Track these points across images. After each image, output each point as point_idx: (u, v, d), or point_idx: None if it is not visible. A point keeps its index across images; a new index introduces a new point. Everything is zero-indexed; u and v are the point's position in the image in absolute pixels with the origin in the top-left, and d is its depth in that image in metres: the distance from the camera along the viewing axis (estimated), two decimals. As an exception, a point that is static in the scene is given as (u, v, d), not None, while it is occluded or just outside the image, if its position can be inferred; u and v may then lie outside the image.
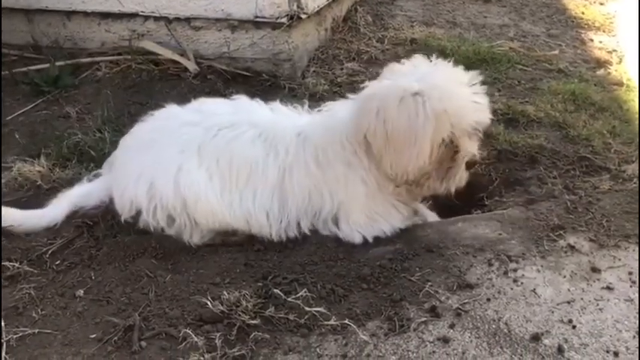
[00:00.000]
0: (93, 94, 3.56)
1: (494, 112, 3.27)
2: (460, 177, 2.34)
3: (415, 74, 2.29)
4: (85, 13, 3.91)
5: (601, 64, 4.01)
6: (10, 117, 3.35)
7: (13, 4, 3.98)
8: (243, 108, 2.53)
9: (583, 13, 4.89)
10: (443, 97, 2.20)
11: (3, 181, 2.75)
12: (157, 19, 3.77)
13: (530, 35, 4.40)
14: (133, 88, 3.59)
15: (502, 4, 4.99)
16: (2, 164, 2.85)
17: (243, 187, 2.36)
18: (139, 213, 2.38)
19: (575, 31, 4.53)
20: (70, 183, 2.69)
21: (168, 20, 3.78)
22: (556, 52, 4.11)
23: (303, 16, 3.55)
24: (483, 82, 3.54)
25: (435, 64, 2.36)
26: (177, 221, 2.36)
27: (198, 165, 2.34)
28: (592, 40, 4.40)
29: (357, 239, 2.39)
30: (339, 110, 2.45)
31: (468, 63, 3.81)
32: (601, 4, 5.18)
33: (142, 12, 3.79)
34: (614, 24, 4.71)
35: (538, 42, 4.29)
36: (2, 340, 2.00)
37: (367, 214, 2.39)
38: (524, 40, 4.28)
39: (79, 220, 2.52)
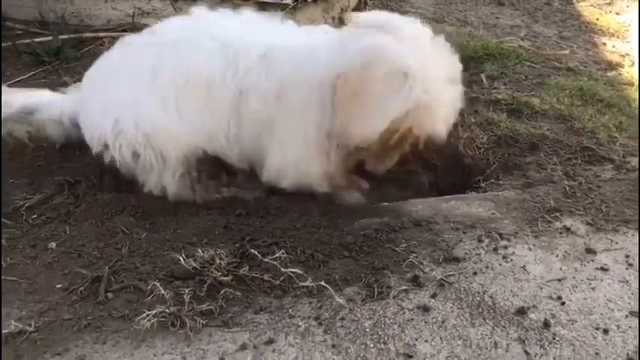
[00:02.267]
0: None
1: (497, 102, 3.22)
2: (393, 161, 2.27)
3: (408, 44, 2.16)
4: (92, -10, 3.90)
5: (612, 66, 3.91)
6: (8, 83, 3.31)
7: (22, -22, 3.99)
8: (202, 20, 2.37)
9: (597, 19, 4.80)
10: (431, 91, 2.09)
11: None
12: (162, -4, 3.75)
13: (541, 36, 4.32)
14: (133, 63, 3.54)
15: (515, 7, 4.92)
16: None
17: (202, 107, 2.25)
18: (106, 147, 2.30)
19: (588, 35, 4.44)
20: (57, 143, 2.64)
21: (174, -2, 3.76)
22: (566, 51, 4.02)
23: (309, 0, 3.50)
24: (489, 76, 3.57)
25: (423, 33, 2.21)
26: (142, 156, 2.27)
27: (152, 93, 2.24)
28: (604, 44, 4.31)
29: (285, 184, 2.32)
30: (320, 44, 2.26)
31: (476, 57, 3.77)
32: (617, 13, 5.10)
33: (148, -11, 3.77)
34: (629, 32, 4.61)
35: (549, 42, 4.20)
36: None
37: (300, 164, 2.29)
38: (535, 40, 4.20)
39: (60, 178, 2.47)
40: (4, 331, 1.75)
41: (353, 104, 2.07)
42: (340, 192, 2.45)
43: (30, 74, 3.44)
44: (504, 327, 1.80)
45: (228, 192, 2.45)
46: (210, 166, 2.40)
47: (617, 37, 4.50)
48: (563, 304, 1.89)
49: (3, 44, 3.73)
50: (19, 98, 2.52)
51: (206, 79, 2.24)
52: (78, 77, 3.36)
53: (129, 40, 2.42)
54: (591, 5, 5.17)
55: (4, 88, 2.51)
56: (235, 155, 2.31)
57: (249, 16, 2.40)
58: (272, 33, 2.34)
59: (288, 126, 2.23)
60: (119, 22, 3.91)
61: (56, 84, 3.33)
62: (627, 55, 4.12)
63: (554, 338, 1.77)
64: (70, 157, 2.64)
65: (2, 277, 1.98)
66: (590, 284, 1.98)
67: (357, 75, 2.05)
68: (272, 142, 2.26)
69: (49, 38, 3.72)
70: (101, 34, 3.82)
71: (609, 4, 5.40)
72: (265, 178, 2.34)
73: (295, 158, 2.26)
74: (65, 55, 3.59)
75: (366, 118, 2.08)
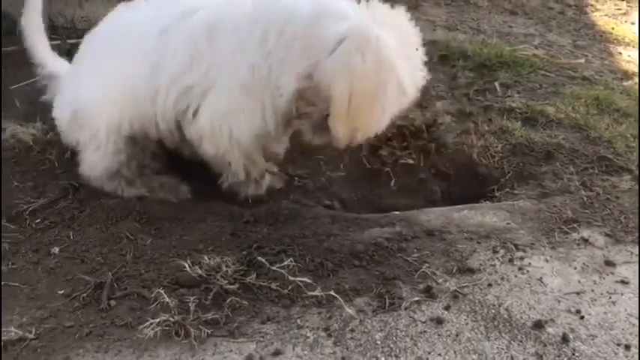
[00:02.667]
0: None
1: (511, 110, 3.16)
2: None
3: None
4: (103, -6, 3.87)
5: (628, 75, 3.84)
6: (14, 87, 3.29)
7: (33, -18, 3.96)
8: None
9: (613, 28, 4.73)
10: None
11: (-5, 141, 2.67)
12: (172, 1, 3.71)
13: (555, 45, 4.25)
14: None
15: (528, 16, 4.85)
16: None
17: (125, 65, 2.22)
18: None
19: (603, 45, 4.37)
20: (62, 147, 2.60)
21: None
22: (581, 60, 3.95)
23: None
24: (503, 84, 3.50)
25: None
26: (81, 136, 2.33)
27: (89, 65, 2.34)
28: (620, 54, 4.23)
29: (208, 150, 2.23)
30: None
31: (489, 65, 3.71)
32: (632, 23, 5.02)
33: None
34: (643, 42, 4.54)
35: (563, 51, 4.13)
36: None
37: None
38: (549, 49, 4.13)
39: (65, 182, 2.42)
40: (3, 338, 1.69)
41: (351, 113, 1.98)
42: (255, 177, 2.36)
43: (37, 78, 3.41)
44: (521, 341, 1.73)
45: (148, 182, 2.40)
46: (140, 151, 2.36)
47: (633, 47, 4.42)
48: (582, 318, 1.82)
49: (12, 48, 3.72)
50: (54, 63, 2.71)
51: (131, 35, 2.25)
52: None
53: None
54: (606, 15, 5.10)
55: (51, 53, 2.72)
56: (161, 120, 2.23)
57: None
58: None
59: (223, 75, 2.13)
60: (129, 26, 3.88)
61: (64, 88, 3.31)
62: (643, 64, 4.05)
63: (573, 354, 1.69)
64: (75, 161, 2.59)
65: (3, 282, 1.93)
66: (610, 298, 1.90)
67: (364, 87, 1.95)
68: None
69: (58, 42, 3.70)
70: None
71: (624, 13, 5.32)
72: (193, 137, 2.22)
73: (225, 110, 2.14)
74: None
75: (375, 119, 2.02)
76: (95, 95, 2.28)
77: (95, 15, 3.92)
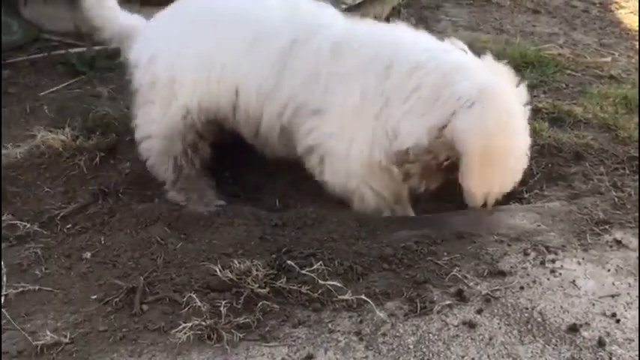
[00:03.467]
0: (127, 77, 3.52)
1: (538, 110, 3.12)
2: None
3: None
4: (127, 0, 3.91)
5: (656, 73, 3.78)
6: (42, 93, 3.34)
7: (58, -10, 4.03)
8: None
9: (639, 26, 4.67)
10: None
11: (25, 147, 2.71)
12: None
13: (580, 44, 4.21)
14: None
15: (552, 15, 4.81)
16: (26, 132, 2.83)
17: (245, 50, 2.25)
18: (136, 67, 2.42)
19: (629, 43, 4.31)
20: (91, 152, 2.63)
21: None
22: (608, 59, 3.90)
23: (344, 7, 3.46)
24: (529, 84, 3.46)
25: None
26: (156, 89, 2.36)
27: (197, 34, 2.32)
28: (647, 52, 4.17)
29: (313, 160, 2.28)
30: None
31: (514, 65, 3.67)
32: (658, 20, 4.95)
33: None
34: (672, 38, 4.47)
35: (589, 50, 4.09)
36: (1, 294, 1.91)
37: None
38: (574, 48, 4.09)
39: (95, 187, 2.45)
40: (40, 342, 1.71)
41: (486, 166, 2.05)
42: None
43: (65, 84, 3.46)
44: (556, 345, 1.71)
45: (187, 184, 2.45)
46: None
47: (660, 44, 4.36)
48: (618, 321, 1.79)
49: (38, 55, 3.77)
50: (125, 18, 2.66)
51: (257, 29, 2.26)
52: (112, 87, 3.37)
53: None
54: (631, 12, 5.03)
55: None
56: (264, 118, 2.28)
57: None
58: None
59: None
60: (153, 32, 3.91)
61: (91, 94, 3.35)
62: (671, 62, 3.98)
63: (610, 358, 1.67)
64: (104, 166, 2.63)
65: (38, 287, 1.95)
66: (646, 301, 1.87)
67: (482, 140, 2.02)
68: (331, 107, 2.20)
69: (84, 49, 3.75)
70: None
71: (650, 10, 5.25)
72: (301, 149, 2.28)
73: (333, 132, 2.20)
74: (100, 66, 3.62)
75: (509, 175, 2.12)
76: (194, 68, 2.31)
77: (120, 21, 3.97)
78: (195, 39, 2.33)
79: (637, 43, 4.32)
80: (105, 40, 3.74)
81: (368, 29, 2.29)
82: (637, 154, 2.71)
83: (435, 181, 2.20)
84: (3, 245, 2.15)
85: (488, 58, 2.18)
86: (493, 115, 2.00)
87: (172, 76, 2.33)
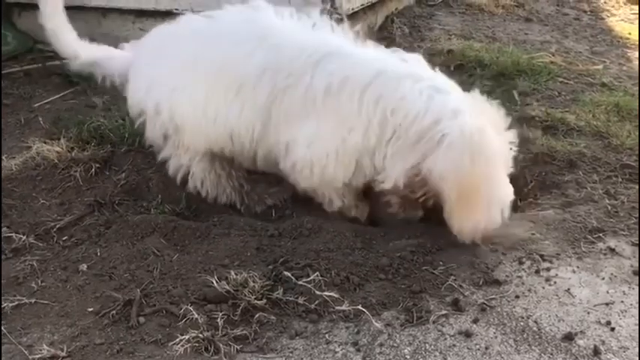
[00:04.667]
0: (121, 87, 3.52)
1: (531, 118, 3.15)
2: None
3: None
4: (121, 11, 3.93)
5: (648, 81, 3.81)
6: (37, 104, 3.34)
7: (53, 0, 4.03)
8: (259, 15, 2.33)
9: (630, 34, 4.70)
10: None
11: (20, 159, 2.71)
12: (190, 17, 3.75)
13: (572, 51, 4.23)
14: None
15: (544, 23, 4.84)
16: (21, 144, 2.82)
17: (230, 105, 2.25)
18: (141, 115, 2.41)
19: (620, 50, 4.34)
20: (87, 164, 2.63)
21: (201, 19, 3.75)
22: (600, 67, 3.93)
23: (337, 17, 3.47)
24: (521, 92, 3.49)
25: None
26: (170, 140, 2.39)
27: (190, 82, 2.29)
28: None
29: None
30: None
31: (507, 73, 3.70)
32: (649, 27, 4.99)
33: (176, 9, 3.78)
34: (663, 46, 4.51)
35: (581, 58, 4.11)
36: (-3, 307, 1.90)
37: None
38: (566, 56, 4.11)
39: (90, 199, 2.45)
40: (36, 356, 1.71)
41: (470, 203, 2.07)
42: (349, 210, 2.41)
43: (59, 95, 3.46)
44: (551, 354, 1.72)
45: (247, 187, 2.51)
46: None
47: (651, 52, 4.40)
48: (613, 329, 1.80)
49: (33, 66, 3.77)
50: (85, 51, 2.64)
51: (240, 78, 2.24)
52: (106, 98, 3.37)
53: (188, 18, 2.48)
54: (622, 20, 5.08)
55: (80, 42, 2.68)
56: (258, 155, 2.32)
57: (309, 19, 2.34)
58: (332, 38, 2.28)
59: (330, 126, 2.18)
60: (147, 42, 3.92)
61: (85, 105, 3.35)
62: (662, 70, 4.02)
63: (605, 366, 1.68)
64: (100, 178, 2.63)
65: (34, 300, 1.95)
66: (640, 309, 1.89)
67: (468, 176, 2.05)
68: (304, 131, 2.21)
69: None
70: (129, 55, 3.83)
71: (640, 18, 5.30)
72: (287, 168, 2.28)
73: (328, 155, 2.20)
74: (94, 77, 3.60)
75: (487, 212, 2.10)
76: (195, 117, 2.31)
77: (114, 32, 3.98)
78: (185, 84, 2.32)
79: (628, 50, 4.36)
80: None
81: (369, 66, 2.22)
82: (629, 162, 2.73)
83: (415, 210, 2.29)
84: (-2, 258, 2.15)
85: (477, 96, 2.21)
86: (468, 157, 2.03)
87: (176, 126, 2.34)
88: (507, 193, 2.16)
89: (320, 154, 2.19)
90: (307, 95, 2.18)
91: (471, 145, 2.03)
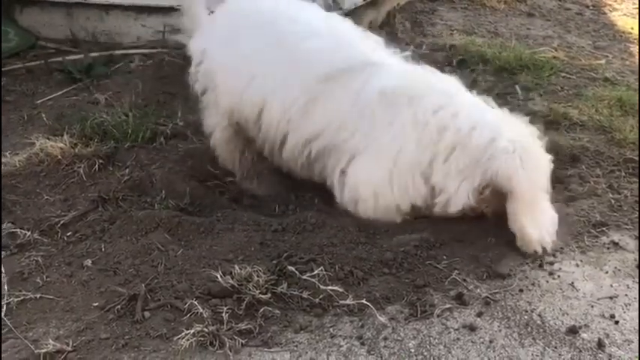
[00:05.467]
0: (124, 83, 3.53)
1: (534, 113, 3.14)
2: None
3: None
4: (123, 7, 3.93)
5: (651, 75, 3.81)
6: (40, 101, 3.34)
7: (54, -3, 4.04)
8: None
9: (632, 28, 4.69)
10: None
11: (24, 155, 2.71)
12: (192, 13, 3.75)
13: (575, 46, 4.23)
14: (165, 79, 3.54)
15: (546, 18, 4.84)
16: (25, 140, 2.83)
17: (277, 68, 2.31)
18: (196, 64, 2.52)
19: (623, 45, 4.34)
20: (90, 159, 2.63)
21: (203, 15, 3.75)
22: (602, 61, 3.93)
23: (339, 13, 3.47)
24: (524, 87, 3.49)
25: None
26: (206, 95, 2.51)
27: (239, 37, 2.38)
28: (641, 53, 4.20)
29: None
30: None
31: (509, 68, 3.70)
32: (652, 22, 4.98)
33: (179, 6, 3.76)
34: (666, 40, 4.50)
35: (583, 52, 4.11)
36: (2, 303, 1.91)
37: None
38: (569, 51, 4.11)
39: (94, 194, 2.45)
40: (42, 351, 1.72)
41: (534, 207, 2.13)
42: None
43: (62, 92, 3.46)
44: (556, 347, 1.72)
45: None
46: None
47: (654, 46, 4.39)
48: (616, 323, 1.81)
49: (35, 63, 3.77)
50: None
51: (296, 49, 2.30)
52: (109, 94, 3.38)
53: None
54: (624, 14, 5.07)
55: None
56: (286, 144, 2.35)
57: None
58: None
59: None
60: (149, 39, 3.93)
61: (88, 101, 3.36)
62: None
63: (609, 359, 1.68)
64: (103, 173, 2.63)
65: (40, 295, 1.96)
66: (644, 302, 1.89)
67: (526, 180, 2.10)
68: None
69: (81, 56, 3.76)
70: (131, 52, 3.84)
71: (642, 12, 5.29)
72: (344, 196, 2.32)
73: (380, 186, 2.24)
74: (96, 73, 3.61)
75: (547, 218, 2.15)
76: (237, 80, 2.38)
77: (116, 29, 3.99)
78: (235, 44, 2.40)
79: (631, 45, 4.35)
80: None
81: (420, 80, 2.29)
82: (632, 156, 2.74)
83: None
84: (3, 254, 2.15)
85: (507, 114, 2.30)
86: (533, 158, 2.14)
87: (215, 82, 2.44)
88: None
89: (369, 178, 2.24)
90: (363, 97, 2.23)
91: (530, 148, 2.15)
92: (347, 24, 2.43)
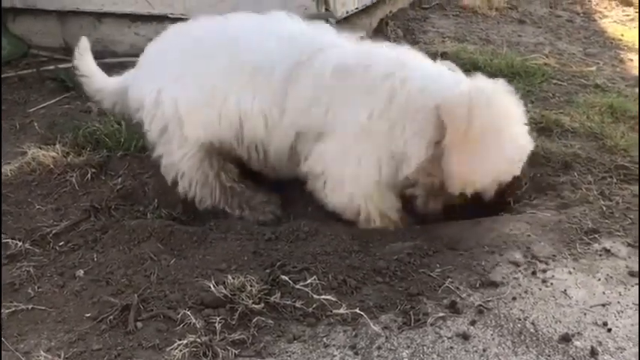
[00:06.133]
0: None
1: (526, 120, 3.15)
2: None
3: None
4: (116, 16, 3.94)
5: (641, 82, 3.84)
6: (32, 109, 3.34)
7: (47, 5, 4.04)
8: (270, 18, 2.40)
9: (622, 35, 4.74)
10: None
11: (16, 164, 2.70)
12: (186, 21, 3.75)
13: (566, 53, 4.26)
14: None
15: (537, 25, 4.87)
16: (17, 149, 2.82)
17: (244, 90, 2.26)
18: (139, 110, 2.41)
19: (613, 52, 4.37)
20: (82, 169, 2.63)
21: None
22: (593, 68, 3.96)
23: (332, 20, 3.48)
24: (516, 95, 3.50)
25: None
26: (168, 133, 2.36)
27: (197, 72, 2.30)
28: (631, 60, 4.24)
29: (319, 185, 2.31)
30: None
31: (501, 75, 3.71)
32: (641, 29, 5.02)
33: (172, 14, 3.79)
34: (655, 47, 4.54)
35: (574, 59, 4.14)
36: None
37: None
38: (560, 57, 4.14)
39: (86, 204, 2.45)
40: (33, 363, 1.71)
41: (468, 146, 2.07)
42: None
43: (54, 100, 3.47)
44: (549, 355, 1.72)
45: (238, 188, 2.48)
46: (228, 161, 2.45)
47: (644, 53, 4.43)
48: (609, 330, 1.81)
49: (27, 71, 3.77)
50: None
51: (255, 64, 2.26)
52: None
53: (197, 18, 2.49)
54: (614, 21, 5.11)
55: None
56: (271, 146, 2.31)
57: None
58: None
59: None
60: (143, 47, 3.91)
61: (80, 110, 3.35)
62: (655, 70, 4.05)
63: (602, 367, 1.69)
64: (96, 183, 2.63)
65: (31, 306, 1.95)
66: (636, 309, 1.90)
67: (467, 115, 2.05)
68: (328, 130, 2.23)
69: (73, 64, 3.74)
70: (125, 60, 3.83)
71: (632, 19, 5.33)
72: (311, 170, 2.30)
73: (356, 173, 2.22)
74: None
75: (483, 163, 2.11)
76: (202, 105, 2.32)
77: (110, 37, 3.99)
78: (193, 75, 2.33)
79: (621, 52, 4.38)
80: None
81: (370, 50, 2.31)
82: (623, 163, 2.75)
83: (439, 202, 2.31)
84: (-6, 264, 2.14)
85: (480, 76, 2.26)
86: (483, 98, 2.07)
87: (178, 115, 2.33)
88: (523, 145, 2.21)
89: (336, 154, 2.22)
90: (318, 78, 2.22)
91: (487, 95, 2.09)
92: (294, 19, 2.40)
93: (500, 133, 2.13)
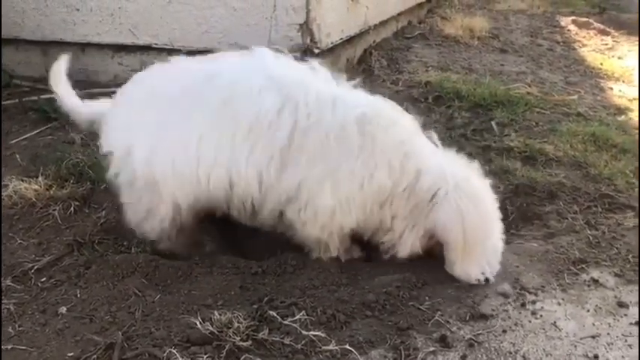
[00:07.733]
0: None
1: (510, 149, 3.19)
2: None
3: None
4: (99, 46, 3.93)
5: (621, 110, 3.90)
6: (13, 141, 3.28)
7: (30, 36, 4.02)
8: (258, 59, 2.21)
9: (601, 64, 4.83)
10: None
11: (-4, 199, 2.65)
12: (170, 51, 3.75)
13: (547, 82, 4.33)
14: (142, 118, 3.52)
15: (519, 54, 4.95)
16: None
17: (240, 142, 2.09)
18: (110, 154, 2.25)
19: (594, 80, 4.45)
20: (65, 202, 2.59)
21: (182, 53, 3.76)
22: (575, 97, 4.02)
23: (317, 51, 3.51)
24: (499, 123, 3.54)
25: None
26: (136, 187, 2.20)
27: (177, 127, 2.12)
28: (611, 89, 4.32)
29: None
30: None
31: (485, 104, 3.76)
32: (619, 57, 5.13)
33: (156, 44, 3.79)
34: (634, 75, 4.63)
35: (556, 88, 4.20)
36: (-28, 355, 1.84)
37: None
38: (542, 86, 4.20)
39: (69, 238, 2.40)
40: (13, 407, 1.65)
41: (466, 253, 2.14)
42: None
43: (36, 131, 3.42)
44: (541, 390, 1.71)
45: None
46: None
47: (623, 82, 4.52)
48: (600, 363, 1.80)
49: (9, 102, 3.73)
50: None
51: (250, 117, 2.09)
52: (85, 134, 3.33)
53: (179, 59, 2.35)
54: (593, 50, 5.21)
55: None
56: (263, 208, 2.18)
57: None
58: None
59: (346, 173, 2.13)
60: (126, 77, 3.89)
61: (63, 140, 3.31)
62: (635, 99, 4.12)
63: (595, 401, 1.67)
64: (79, 216, 2.58)
65: (12, 346, 1.89)
66: (626, 341, 1.89)
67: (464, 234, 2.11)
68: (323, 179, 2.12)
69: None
70: (108, 90, 3.81)
71: (610, 48, 5.45)
72: (299, 217, 2.17)
73: (341, 205, 2.15)
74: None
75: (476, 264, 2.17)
76: (183, 165, 2.14)
77: (93, 67, 3.97)
78: (174, 129, 2.14)
79: (601, 80, 4.46)
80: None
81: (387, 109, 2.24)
82: (608, 192, 2.78)
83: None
84: (-27, 302, 2.08)
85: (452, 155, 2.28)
86: (468, 200, 2.11)
87: (153, 174, 2.16)
88: (500, 231, 2.24)
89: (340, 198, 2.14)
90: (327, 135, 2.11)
91: (466, 193, 2.12)
92: (280, 61, 2.23)
93: (489, 222, 2.21)
